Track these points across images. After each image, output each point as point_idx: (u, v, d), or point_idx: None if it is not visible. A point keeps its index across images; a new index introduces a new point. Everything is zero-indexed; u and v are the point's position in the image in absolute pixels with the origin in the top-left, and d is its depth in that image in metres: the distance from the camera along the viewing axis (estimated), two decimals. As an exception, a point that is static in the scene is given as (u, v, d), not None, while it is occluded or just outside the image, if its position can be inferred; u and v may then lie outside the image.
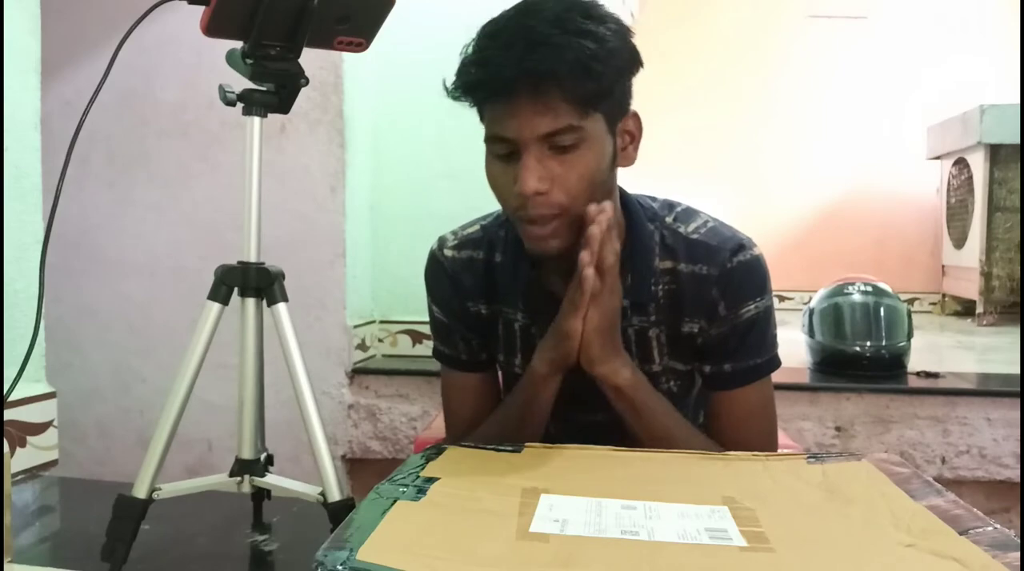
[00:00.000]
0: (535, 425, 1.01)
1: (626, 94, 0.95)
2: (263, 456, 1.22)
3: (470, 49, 0.92)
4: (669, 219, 1.02)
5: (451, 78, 0.93)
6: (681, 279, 1.00)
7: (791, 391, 2.08)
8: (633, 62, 0.94)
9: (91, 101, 1.12)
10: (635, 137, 0.98)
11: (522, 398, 1.01)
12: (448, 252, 1.09)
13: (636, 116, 0.97)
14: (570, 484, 0.77)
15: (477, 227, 1.11)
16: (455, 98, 0.92)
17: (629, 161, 0.98)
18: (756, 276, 1.00)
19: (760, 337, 1.02)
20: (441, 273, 1.09)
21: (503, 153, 0.92)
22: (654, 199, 1.06)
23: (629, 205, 1.02)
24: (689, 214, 1.04)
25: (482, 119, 0.95)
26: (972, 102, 3.47)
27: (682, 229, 1.01)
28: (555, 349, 0.95)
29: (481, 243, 1.08)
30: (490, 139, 0.93)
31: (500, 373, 1.15)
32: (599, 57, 0.87)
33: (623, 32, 0.92)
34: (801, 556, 0.62)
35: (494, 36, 0.89)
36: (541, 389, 0.98)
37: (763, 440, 1.03)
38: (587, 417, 1.07)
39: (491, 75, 0.87)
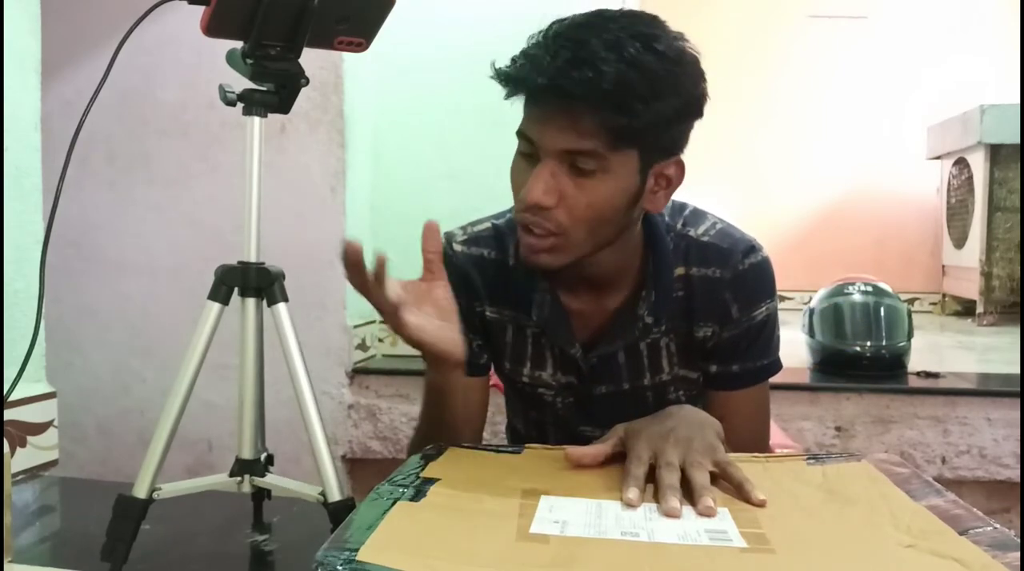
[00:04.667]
0: (456, 428, 0.97)
1: (673, 138, 0.89)
2: (263, 456, 1.22)
3: (534, 38, 0.86)
4: (679, 225, 1.00)
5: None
6: (692, 284, 0.99)
7: (791, 391, 2.08)
8: (688, 108, 0.87)
9: (91, 101, 1.12)
10: (671, 184, 0.92)
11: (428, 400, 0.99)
12: (457, 246, 1.04)
13: (680, 164, 0.91)
14: (570, 485, 0.76)
15: (488, 225, 1.05)
16: (496, 80, 0.87)
17: (656, 206, 0.93)
18: (766, 278, 1.00)
19: (768, 339, 1.02)
20: (449, 268, 1.01)
21: (526, 152, 0.88)
22: None
23: (650, 219, 0.98)
24: (697, 216, 1.02)
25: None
26: (972, 102, 3.46)
27: (692, 232, 1.00)
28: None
29: (492, 242, 1.03)
30: (520, 133, 0.89)
31: (506, 382, 1.11)
32: (642, 95, 0.81)
33: (684, 74, 0.85)
34: (801, 557, 0.62)
35: (553, 36, 0.84)
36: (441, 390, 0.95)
37: (758, 441, 1.03)
38: (595, 433, 1.06)
39: (524, 75, 0.83)
